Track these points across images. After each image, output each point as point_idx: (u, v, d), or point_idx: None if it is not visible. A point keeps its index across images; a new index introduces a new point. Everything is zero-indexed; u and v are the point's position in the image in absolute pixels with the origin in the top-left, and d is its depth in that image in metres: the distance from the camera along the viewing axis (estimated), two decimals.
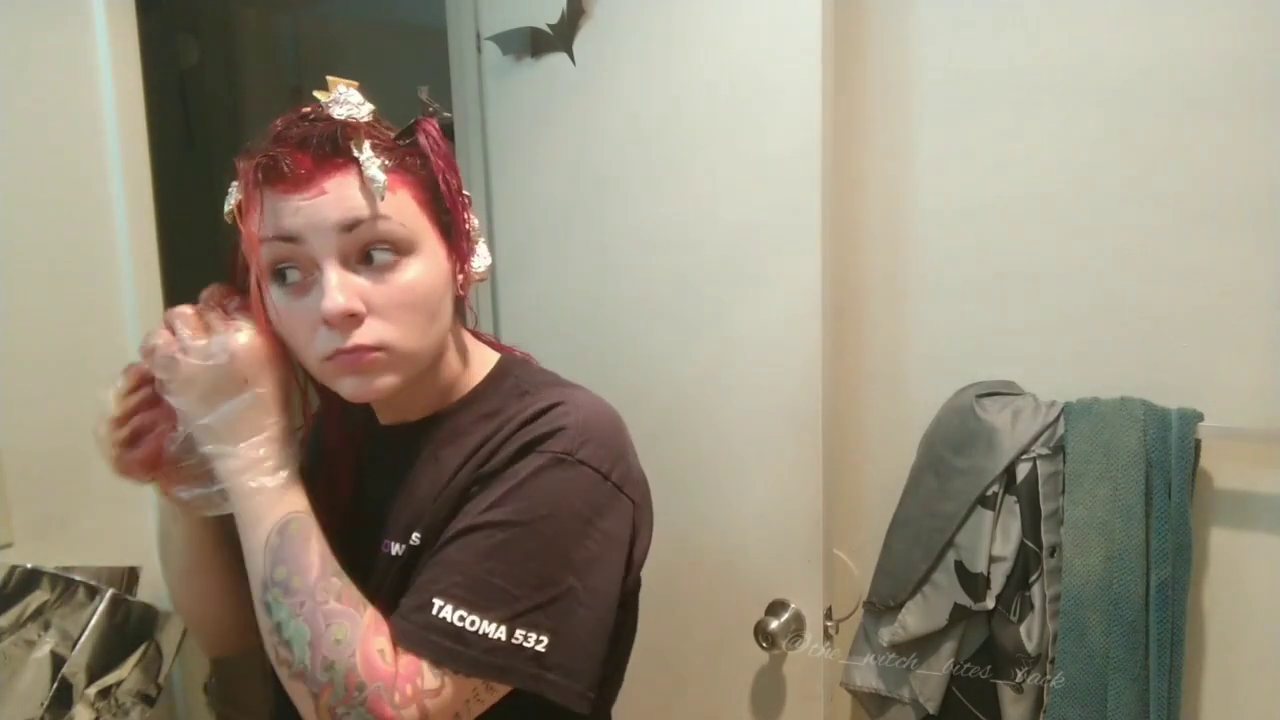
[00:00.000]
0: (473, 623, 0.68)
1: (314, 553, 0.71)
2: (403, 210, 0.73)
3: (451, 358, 0.83)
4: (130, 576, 1.32)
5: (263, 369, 0.74)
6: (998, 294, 1.27)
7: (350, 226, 0.70)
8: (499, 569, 0.70)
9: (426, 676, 0.68)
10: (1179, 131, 1.13)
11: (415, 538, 0.77)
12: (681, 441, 1.36)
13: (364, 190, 0.71)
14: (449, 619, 0.68)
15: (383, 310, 0.72)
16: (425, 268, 0.74)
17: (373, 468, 0.86)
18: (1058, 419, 1.17)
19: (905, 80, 1.30)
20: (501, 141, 1.55)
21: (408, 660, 0.68)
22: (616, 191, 1.40)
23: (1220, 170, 1.11)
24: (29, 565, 1.23)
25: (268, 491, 0.72)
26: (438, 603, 0.69)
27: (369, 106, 0.75)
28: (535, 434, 0.75)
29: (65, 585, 1.25)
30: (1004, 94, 1.24)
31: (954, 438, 1.23)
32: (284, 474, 0.74)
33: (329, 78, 0.76)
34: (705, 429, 1.35)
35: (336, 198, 0.70)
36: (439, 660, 0.68)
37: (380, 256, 0.72)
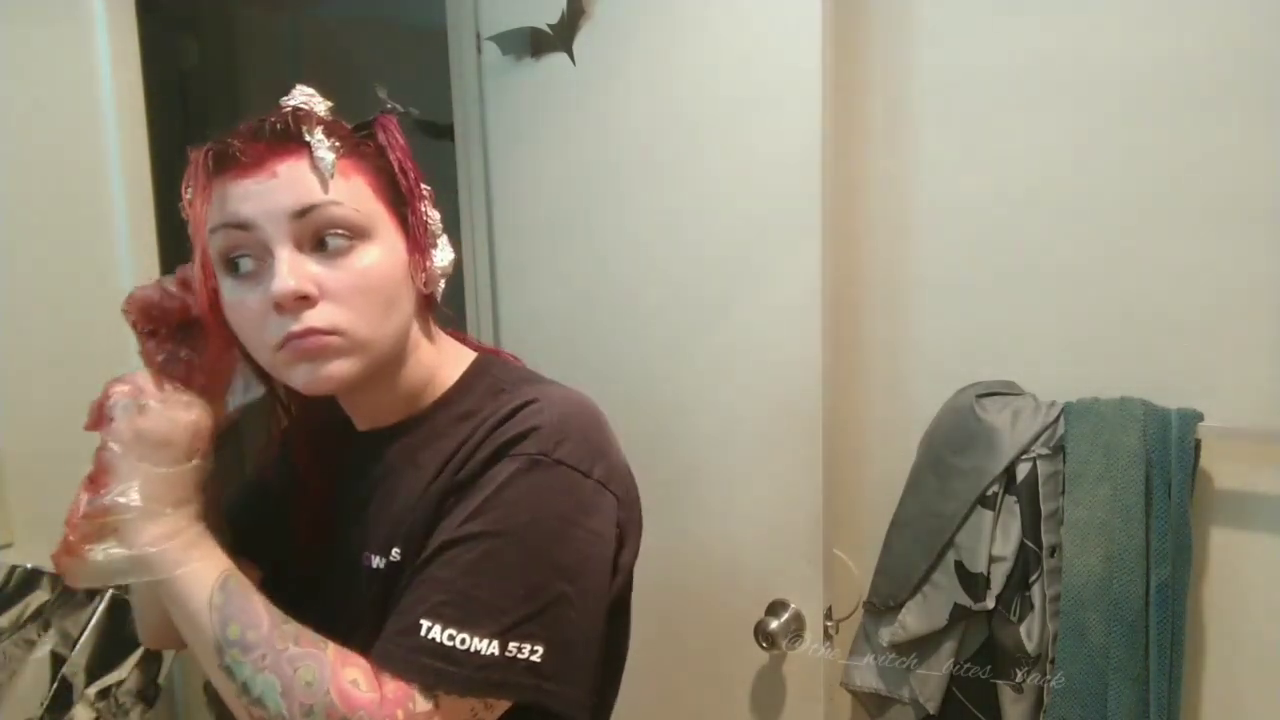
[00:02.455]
0: (463, 641, 0.66)
1: (259, 603, 0.69)
2: (357, 196, 0.72)
3: (423, 358, 0.80)
4: None
5: (208, 446, 0.74)
6: (998, 294, 1.27)
7: (302, 212, 0.69)
8: (485, 583, 0.68)
9: (418, 700, 0.66)
10: (1179, 131, 1.13)
11: (395, 553, 0.74)
12: (682, 441, 1.36)
13: (316, 175, 0.70)
14: (438, 639, 0.66)
15: (336, 295, 0.70)
16: (381, 254, 0.73)
17: (350, 476, 0.83)
18: (1058, 419, 1.17)
19: (905, 80, 1.30)
20: (501, 141, 1.55)
21: (396, 686, 0.66)
22: (616, 191, 1.40)
23: (1221, 170, 1.11)
24: (29, 565, 1.23)
25: (198, 557, 0.70)
26: (425, 624, 0.67)
27: (326, 103, 0.75)
28: (507, 436, 0.72)
29: (65, 585, 1.25)
30: (1004, 94, 1.24)
31: (954, 438, 1.23)
32: (210, 542, 0.72)
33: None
34: (705, 429, 1.35)
35: (288, 181, 0.69)
36: (430, 684, 0.66)
37: (334, 242, 0.70)
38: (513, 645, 0.67)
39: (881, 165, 1.34)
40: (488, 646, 0.67)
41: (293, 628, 0.68)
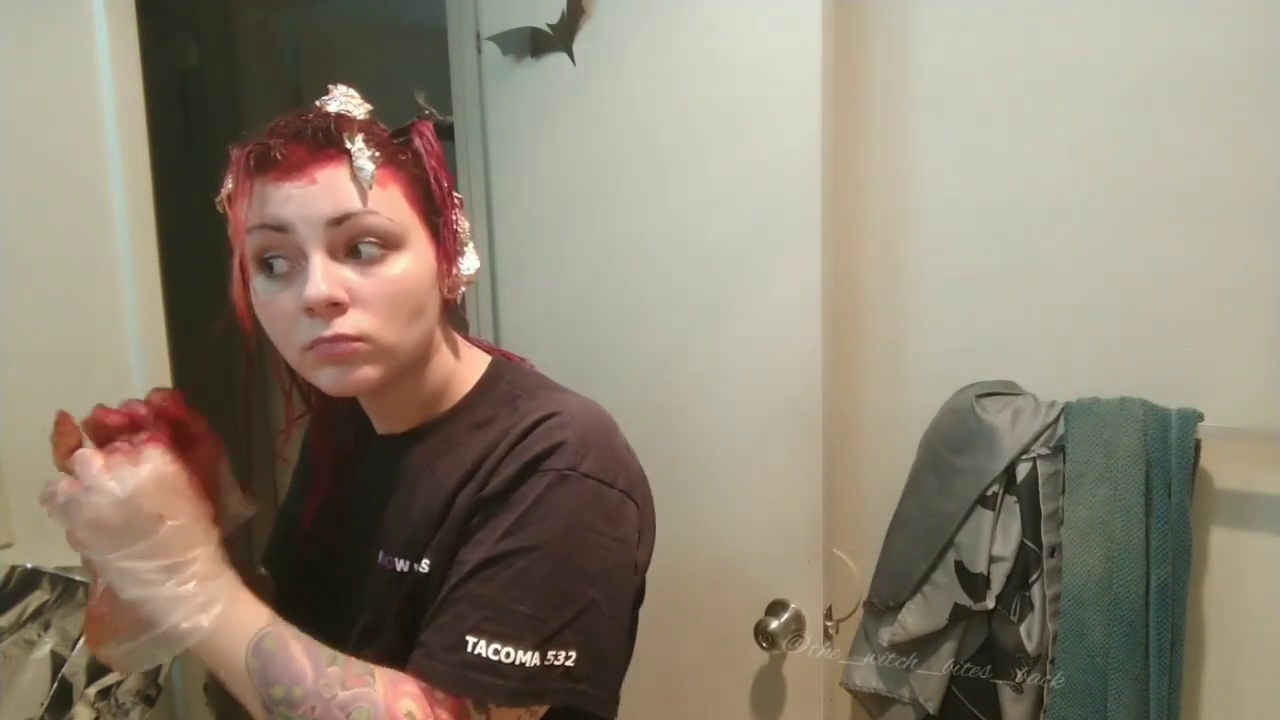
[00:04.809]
0: (508, 654, 0.69)
1: (299, 656, 0.67)
2: (392, 205, 0.73)
3: (442, 362, 0.82)
4: None
5: (177, 498, 0.69)
6: (998, 294, 1.27)
7: (339, 220, 0.70)
8: (524, 597, 0.71)
9: (471, 715, 0.70)
10: (1178, 131, 1.13)
11: (425, 564, 0.76)
12: (681, 441, 1.36)
13: (355, 183, 0.71)
14: (484, 654, 0.69)
15: (366, 302, 0.71)
16: (412, 263, 0.74)
17: (367, 477, 0.85)
18: (1058, 419, 1.17)
19: (905, 80, 1.30)
20: (501, 141, 1.55)
21: (450, 704, 0.69)
22: (616, 192, 1.40)
23: (1220, 170, 1.11)
24: (29, 565, 1.23)
25: (214, 625, 0.67)
26: (471, 640, 0.69)
27: (366, 106, 0.76)
28: (535, 451, 0.74)
29: (65, 585, 1.25)
30: (1004, 94, 1.24)
31: (954, 438, 1.23)
32: (221, 604, 0.68)
33: (330, 85, 0.77)
34: (705, 429, 1.35)
35: (327, 189, 0.70)
36: (482, 698, 0.69)
37: (367, 250, 0.72)
38: (551, 654, 0.70)
39: (881, 165, 1.34)
40: (530, 658, 0.70)
41: (338, 670, 0.68)
